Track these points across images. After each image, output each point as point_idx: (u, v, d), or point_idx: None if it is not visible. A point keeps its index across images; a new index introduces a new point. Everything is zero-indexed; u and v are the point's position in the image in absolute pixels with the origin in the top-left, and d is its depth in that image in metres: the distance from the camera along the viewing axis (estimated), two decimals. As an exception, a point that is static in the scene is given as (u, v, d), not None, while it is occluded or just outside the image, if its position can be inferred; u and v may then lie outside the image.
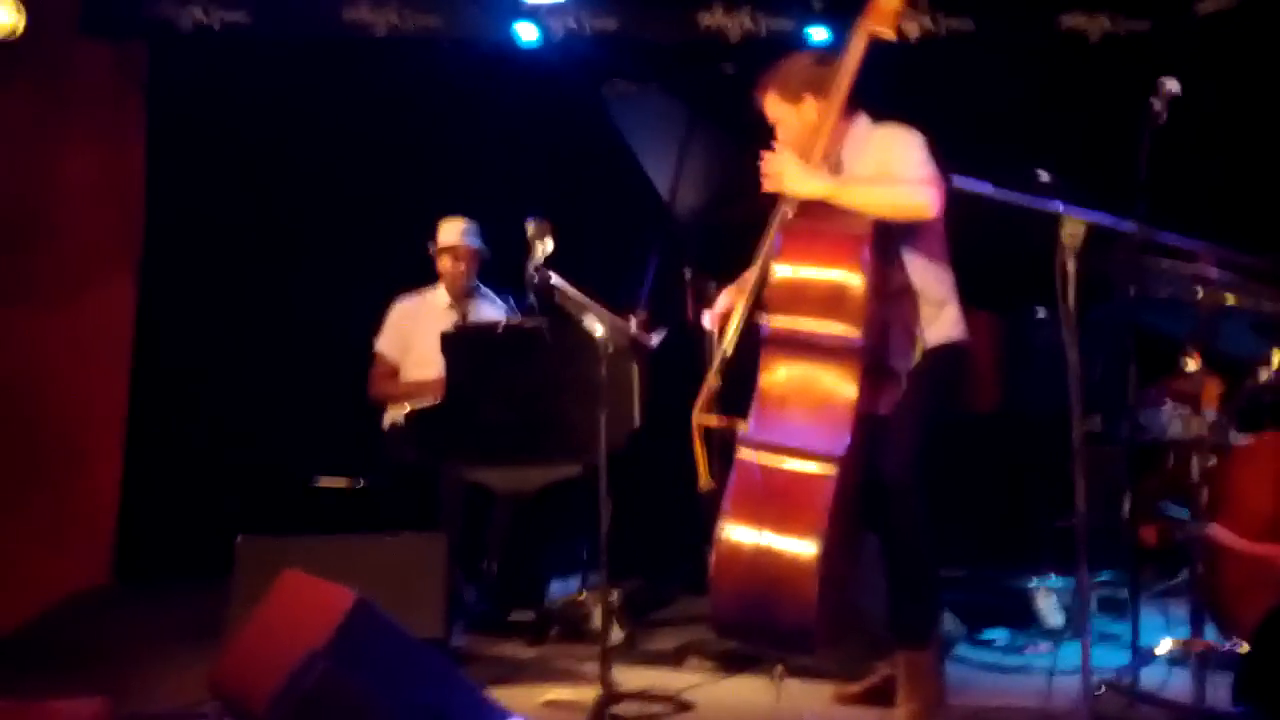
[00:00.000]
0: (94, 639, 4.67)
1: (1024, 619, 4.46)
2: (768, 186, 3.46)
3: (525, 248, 3.77)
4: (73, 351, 5.55)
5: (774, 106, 3.58)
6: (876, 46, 3.45)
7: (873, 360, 3.36)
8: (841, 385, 3.27)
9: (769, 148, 3.53)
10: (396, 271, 5.21)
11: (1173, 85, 3.42)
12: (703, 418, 3.47)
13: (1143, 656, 3.62)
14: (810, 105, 3.52)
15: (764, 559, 3.17)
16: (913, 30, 5.60)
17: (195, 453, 5.56)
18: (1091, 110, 5.43)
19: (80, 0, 5.53)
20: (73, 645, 4.60)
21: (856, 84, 3.46)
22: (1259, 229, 4.81)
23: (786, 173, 3.42)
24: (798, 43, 5.47)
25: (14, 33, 5.22)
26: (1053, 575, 4.61)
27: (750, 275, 3.54)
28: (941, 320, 3.53)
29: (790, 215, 3.43)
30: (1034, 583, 4.61)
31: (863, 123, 3.58)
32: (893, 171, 3.45)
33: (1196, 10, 5.57)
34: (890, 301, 3.45)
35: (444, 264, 5.08)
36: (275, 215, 5.68)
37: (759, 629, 3.25)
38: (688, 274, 4.74)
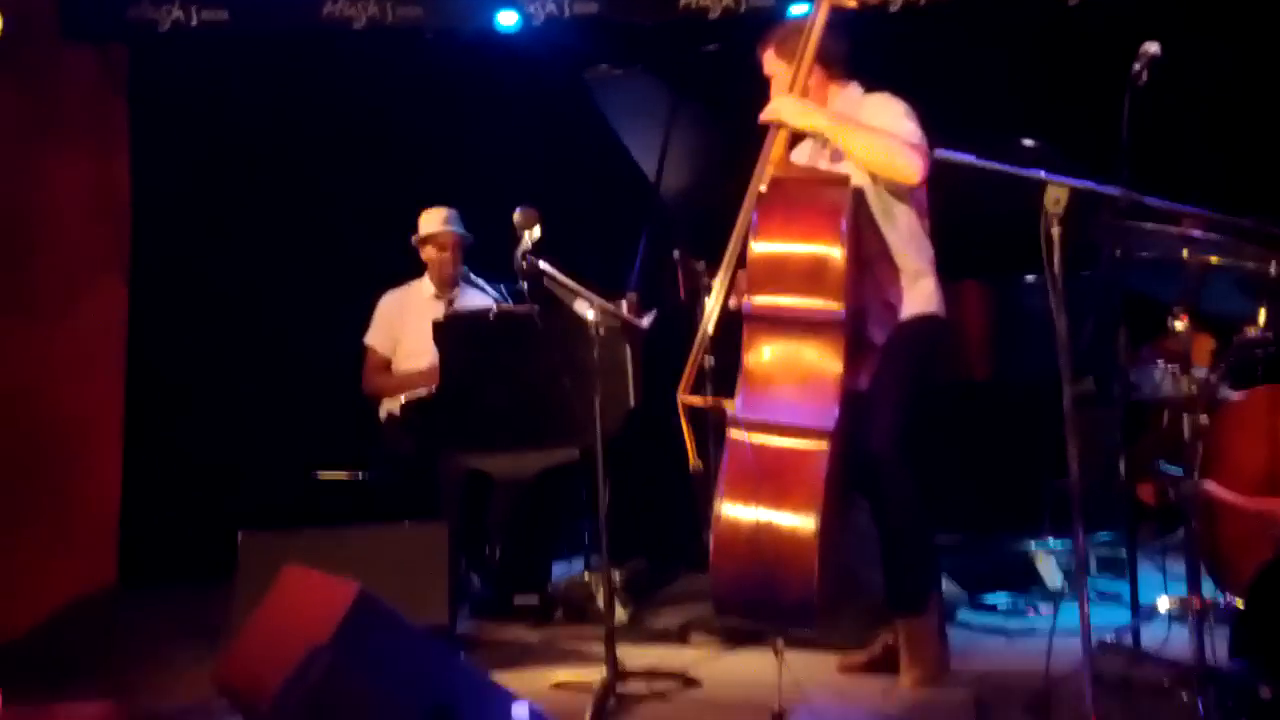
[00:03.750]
0: (100, 641, 4.70)
1: (1025, 582, 4.50)
2: (765, 117, 3.50)
3: (513, 236, 3.78)
4: (67, 358, 5.55)
5: (770, 63, 3.69)
6: (861, 18, 3.60)
7: (855, 332, 3.37)
8: (826, 359, 3.28)
9: (753, 126, 3.55)
10: (386, 263, 5.21)
11: (1153, 48, 3.42)
12: (687, 398, 3.47)
13: (1143, 614, 3.65)
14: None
15: (763, 536, 3.18)
16: (894, 2, 5.59)
17: (194, 453, 5.56)
18: (1075, 75, 5.43)
19: (59, 3, 5.52)
20: (79, 648, 4.62)
21: (851, 55, 3.64)
22: (1243, 188, 4.83)
23: (784, 107, 3.47)
24: (778, 19, 5.43)
25: None
26: (1051, 538, 4.64)
27: (729, 253, 3.55)
28: (916, 292, 3.56)
29: (764, 191, 3.44)
30: (1033, 545, 4.64)
31: (854, 91, 3.66)
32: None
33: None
34: (866, 271, 3.47)
35: (430, 253, 5.09)
36: (262, 213, 5.67)
37: (761, 606, 3.28)
38: (676, 255, 4.74)
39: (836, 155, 3.58)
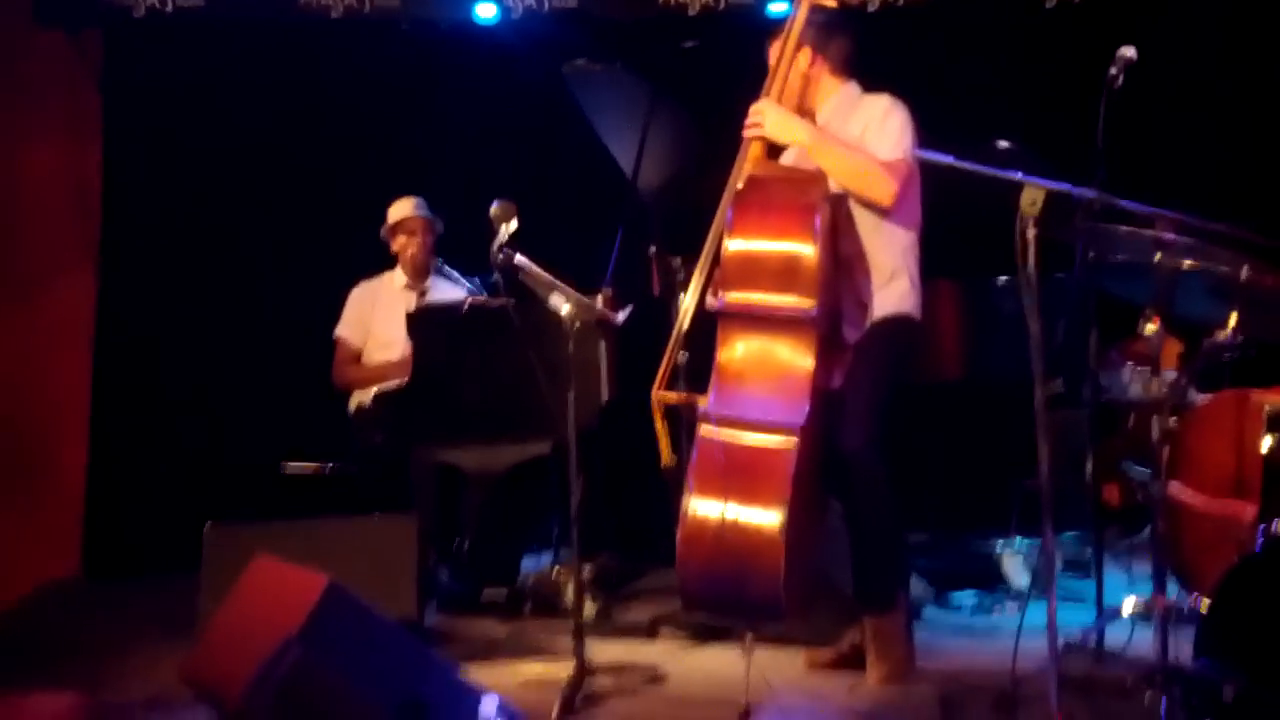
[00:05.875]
0: (65, 632, 4.65)
1: (991, 581, 4.52)
2: (749, 132, 3.50)
3: (489, 229, 3.77)
4: (34, 346, 5.50)
5: (777, 52, 3.66)
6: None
7: (827, 330, 3.38)
8: (798, 356, 3.29)
9: (731, 122, 3.56)
10: (359, 255, 5.18)
11: (1129, 52, 3.44)
12: (662, 394, 3.48)
13: (1108, 615, 3.68)
14: (805, 57, 3.62)
15: (730, 533, 3.18)
16: (872, 1, 5.61)
17: (163, 444, 5.53)
18: (1051, 77, 5.46)
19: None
20: (44, 639, 4.57)
21: (853, 54, 3.69)
22: (1216, 193, 4.86)
23: (769, 117, 3.47)
24: (757, 17, 5.47)
25: None
26: (1018, 537, 4.67)
27: (706, 249, 3.55)
28: (890, 292, 3.57)
29: (740, 189, 3.45)
30: (1000, 545, 4.66)
31: (852, 89, 3.67)
32: (869, 143, 3.49)
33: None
34: (843, 270, 3.48)
35: (399, 242, 5.08)
36: (235, 202, 5.63)
37: (728, 602, 3.28)
38: (652, 250, 4.74)
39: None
